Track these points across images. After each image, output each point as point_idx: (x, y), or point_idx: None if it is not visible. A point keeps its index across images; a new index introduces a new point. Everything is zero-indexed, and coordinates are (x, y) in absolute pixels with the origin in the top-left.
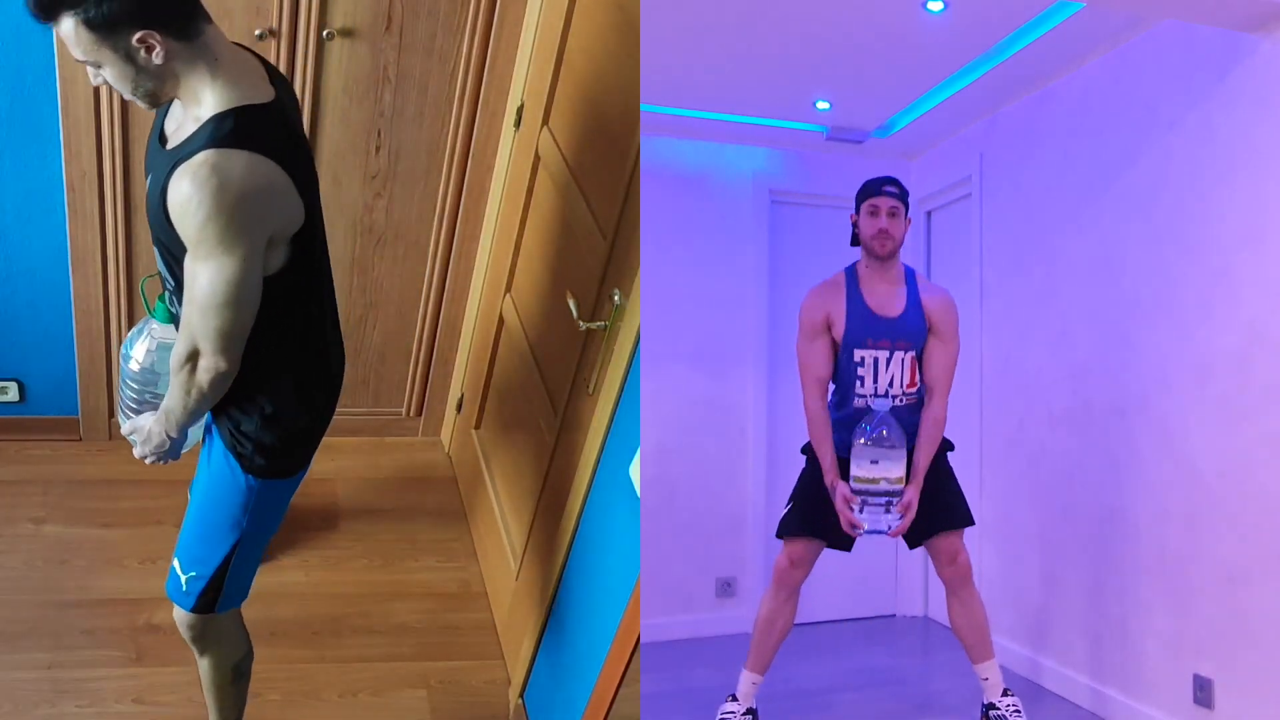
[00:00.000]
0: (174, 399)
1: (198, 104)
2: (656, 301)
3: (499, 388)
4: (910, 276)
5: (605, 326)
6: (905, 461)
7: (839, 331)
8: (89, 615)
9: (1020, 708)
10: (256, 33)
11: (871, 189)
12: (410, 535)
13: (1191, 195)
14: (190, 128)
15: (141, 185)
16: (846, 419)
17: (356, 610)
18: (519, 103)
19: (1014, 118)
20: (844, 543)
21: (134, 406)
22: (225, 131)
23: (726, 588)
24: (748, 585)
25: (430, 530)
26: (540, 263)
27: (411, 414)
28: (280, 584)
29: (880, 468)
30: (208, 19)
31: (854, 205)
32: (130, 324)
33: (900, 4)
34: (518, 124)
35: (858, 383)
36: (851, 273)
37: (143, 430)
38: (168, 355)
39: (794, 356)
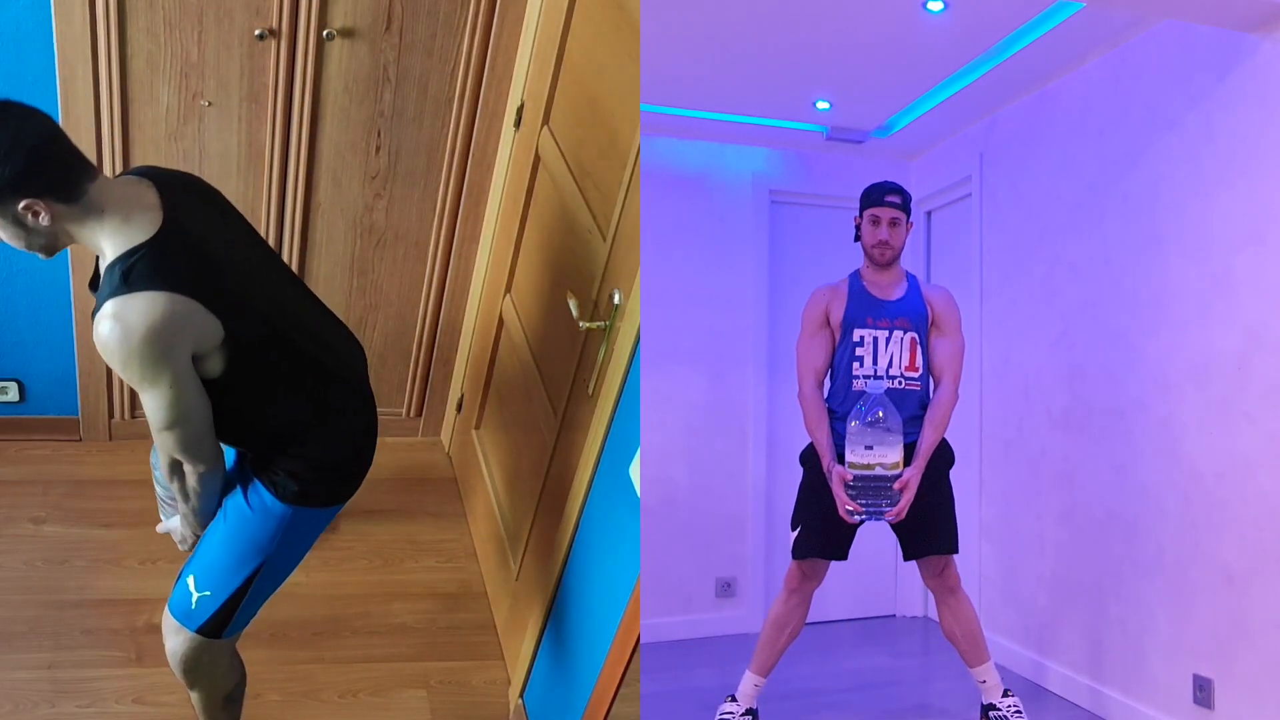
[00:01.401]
0: (181, 504)
1: (102, 254)
2: (656, 301)
3: (499, 388)
4: (912, 278)
5: (605, 326)
6: (901, 445)
7: (838, 317)
8: (89, 615)
9: (1021, 708)
10: (256, 33)
11: (873, 198)
12: (410, 535)
13: (1191, 196)
14: (103, 277)
15: None
16: (844, 407)
17: (356, 610)
18: (519, 103)
19: (1014, 118)
20: (841, 552)
21: (169, 505)
22: (117, 280)
23: (726, 588)
24: (748, 585)
25: (430, 530)
26: (540, 263)
27: (411, 414)
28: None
29: (875, 453)
30: (92, 176)
31: (858, 207)
32: None
33: (900, 4)
34: (518, 124)
35: (856, 364)
36: (855, 274)
37: (176, 531)
38: None
39: (794, 357)
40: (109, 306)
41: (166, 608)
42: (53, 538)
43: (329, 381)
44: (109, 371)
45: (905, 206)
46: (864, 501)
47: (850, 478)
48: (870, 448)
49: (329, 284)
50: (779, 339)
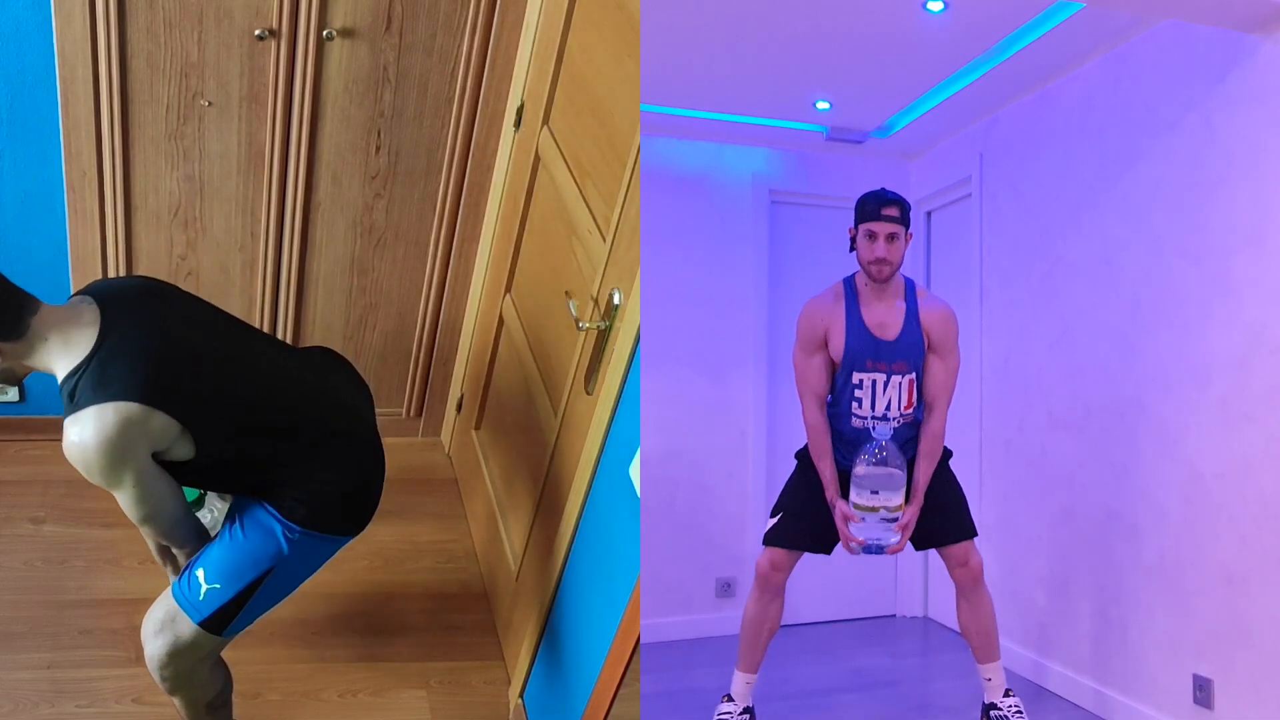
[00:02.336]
0: (172, 578)
1: (55, 373)
2: (656, 301)
3: (499, 388)
4: (910, 291)
5: (605, 326)
6: (905, 488)
7: (837, 352)
8: (89, 615)
9: (1022, 708)
10: (256, 33)
11: (869, 211)
12: (410, 536)
13: (1191, 196)
14: None
15: (141, 185)
16: (844, 437)
17: (357, 610)
18: (519, 103)
19: (1014, 118)
20: (825, 547)
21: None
22: (67, 398)
23: (726, 588)
24: (747, 585)
25: (430, 531)
26: (540, 263)
27: (411, 414)
28: None
29: (880, 497)
30: (33, 310)
31: (852, 217)
32: None
33: (900, 4)
34: (518, 124)
35: (855, 404)
36: (851, 286)
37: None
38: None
39: (793, 363)
40: (66, 425)
41: (153, 609)
42: (52, 538)
43: (322, 444)
44: None
45: (904, 218)
46: (867, 536)
47: (856, 517)
48: (876, 492)
49: (329, 283)
50: (779, 339)
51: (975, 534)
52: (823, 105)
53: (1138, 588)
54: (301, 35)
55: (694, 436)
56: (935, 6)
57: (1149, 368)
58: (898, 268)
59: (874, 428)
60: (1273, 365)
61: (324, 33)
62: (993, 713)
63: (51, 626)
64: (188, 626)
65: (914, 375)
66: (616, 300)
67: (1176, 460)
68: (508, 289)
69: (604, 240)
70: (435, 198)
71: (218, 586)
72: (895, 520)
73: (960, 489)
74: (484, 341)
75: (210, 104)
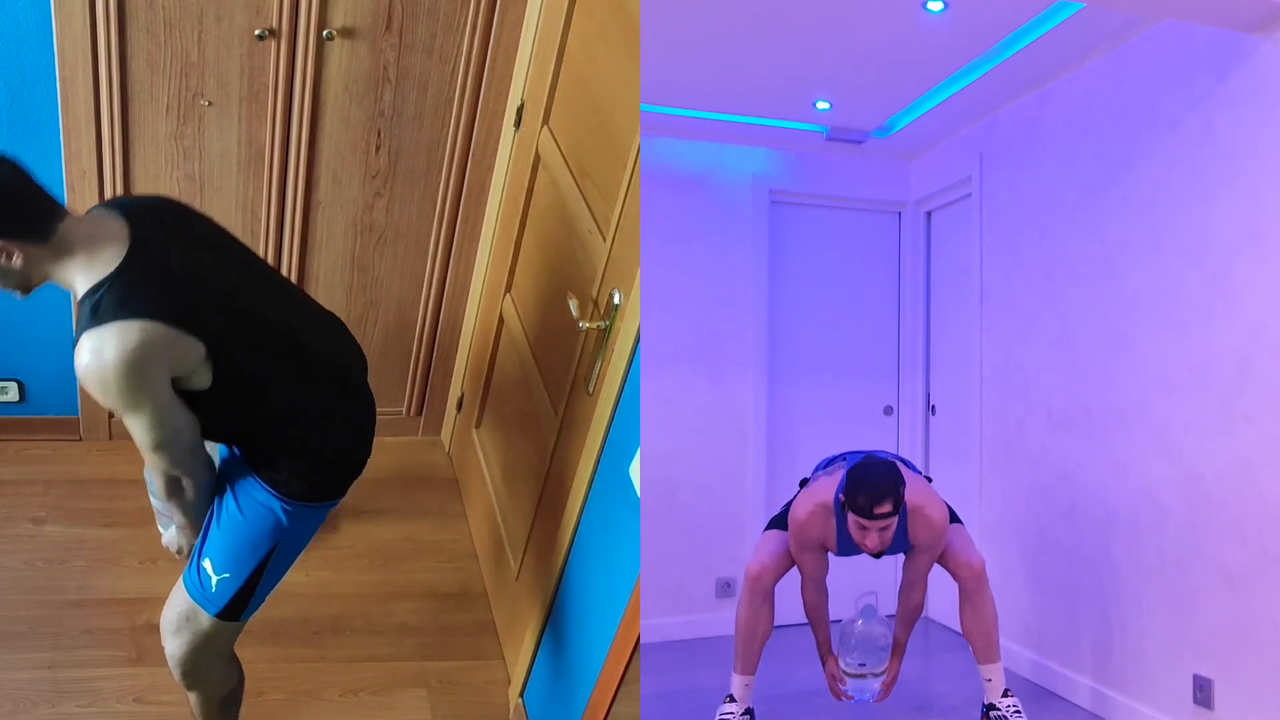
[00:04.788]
0: (178, 516)
1: (75, 290)
2: (656, 301)
3: (499, 388)
4: (901, 513)
5: (605, 326)
6: (888, 658)
7: (830, 549)
8: (89, 615)
9: (1020, 708)
10: (256, 33)
11: (863, 509)
12: (410, 535)
13: (1191, 196)
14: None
15: (141, 186)
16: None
17: (357, 610)
18: (519, 103)
19: (1014, 118)
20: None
21: (166, 515)
22: (87, 314)
23: (726, 588)
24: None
25: (430, 530)
26: (540, 263)
27: (411, 413)
28: (281, 584)
29: (868, 667)
30: (61, 216)
31: (844, 499)
32: None
33: (900, 4)
34: (518, 124)
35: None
36: (841, 512)
37: (173, 543)
38: None
39: (794, 357)
40: (83, 340)
41: (170, 607)
42: (53, 538)
43: (322, 383)
44: None
45: (897, 508)
46: (854, 692)
47: (844, 681)
48: (864, 664)
49: (329, 282)
50: (779, 339)
51: (959, 520)
52: (823, 105)
53: (1138, 588)
54: (301, 35)
55: (694, 436)
56: (935, 6)
57: (1149, 368)
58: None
59: (861, 609)
60: (1273, 365)
61: (324, 33)
62: (992, 713)
63: (51, 626)
64: (205, 620)
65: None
66: (616, 300)
67: (1176, 460)
68: (508, 289)
69: (604, 240)
70: (435, 197)
71: (228, 575)
72: (880, 679)
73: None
74: (484, 341)
75: (210, 104)
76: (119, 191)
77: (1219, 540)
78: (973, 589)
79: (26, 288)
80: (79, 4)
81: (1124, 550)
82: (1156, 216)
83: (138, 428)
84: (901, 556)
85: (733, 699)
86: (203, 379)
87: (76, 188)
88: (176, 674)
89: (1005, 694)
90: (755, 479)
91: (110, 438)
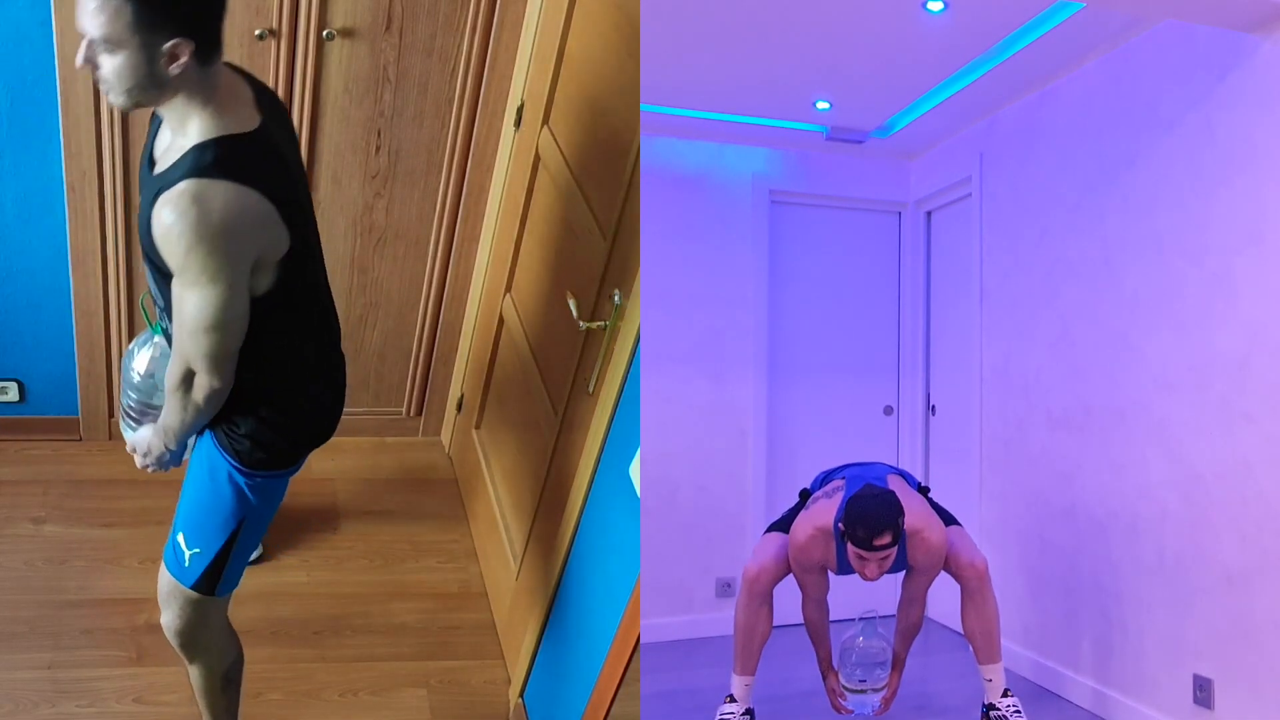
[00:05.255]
0: (171, 415)
1: (184, 131)
2: (656, 301)
3: (499, 388)
4: (900, 541)
5: (605, 326)
6: (888, 673)
7: (830, 568)
8: (89, 615)
9: (1020, 708)
10: (256, 32)
11: (862, 542)
12: (410, 535)
13: (1191, 196)
14: (174, 156)
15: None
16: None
17: (357, 610)
18: (519, 103)
19: (1014, 118)
20: None
21: (135, 415)
22: (206, 161)
23: (726, 588)
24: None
25: (430, 530)
26: (540, 263)
27: (411, 414)
28: (281, 584)
29: (868, 683)
30: (222, 51)
31: (843, 530)
32: (130, 324)
33: (900, 4)
34: (518, 124)
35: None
36: (840, 540)
37: (143, 442)
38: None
39: (794, 357)
40: (189, 185)
41: (160, 578)
42: (53, 538)
43: (325, 342)
44: (109, 371)
45: (897, 538)
46: (854, 708)
47: (844, 695)
48: (864, 680)
49: (329, 282)
50: (779, 339)
51: (958, 522)
52: (823, 105)
53: (1138, 588)
54: (301, 35)
55: (694, 436)
56: (935, 6)
57: (1149, 367)
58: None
59: (861, 625)
60: (1273, 365)
61: (324, 33)
62: (992, 713)
63: (51, 626)
64: (184, 593)
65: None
66: (616, 300)
67: (1176, 460)
68: (508, 289)
69: (604, 240)
70: (435, 198)
71: (198, 551)
72: (880, 694)
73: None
74: (484, 341)
75: None
76: (119, 191)
77: (1219, 540)
78: (975, 589)
79: (141, 101)
80: None
81: (1124, 550)
82: (1156, 216)
83: (198, 300)
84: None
85: (733, 699)
86: (265, 281)
87: (76, 188)
88: (175, 645)
89: (1005, 694)
90: (755, 479)
91: (110, 438)
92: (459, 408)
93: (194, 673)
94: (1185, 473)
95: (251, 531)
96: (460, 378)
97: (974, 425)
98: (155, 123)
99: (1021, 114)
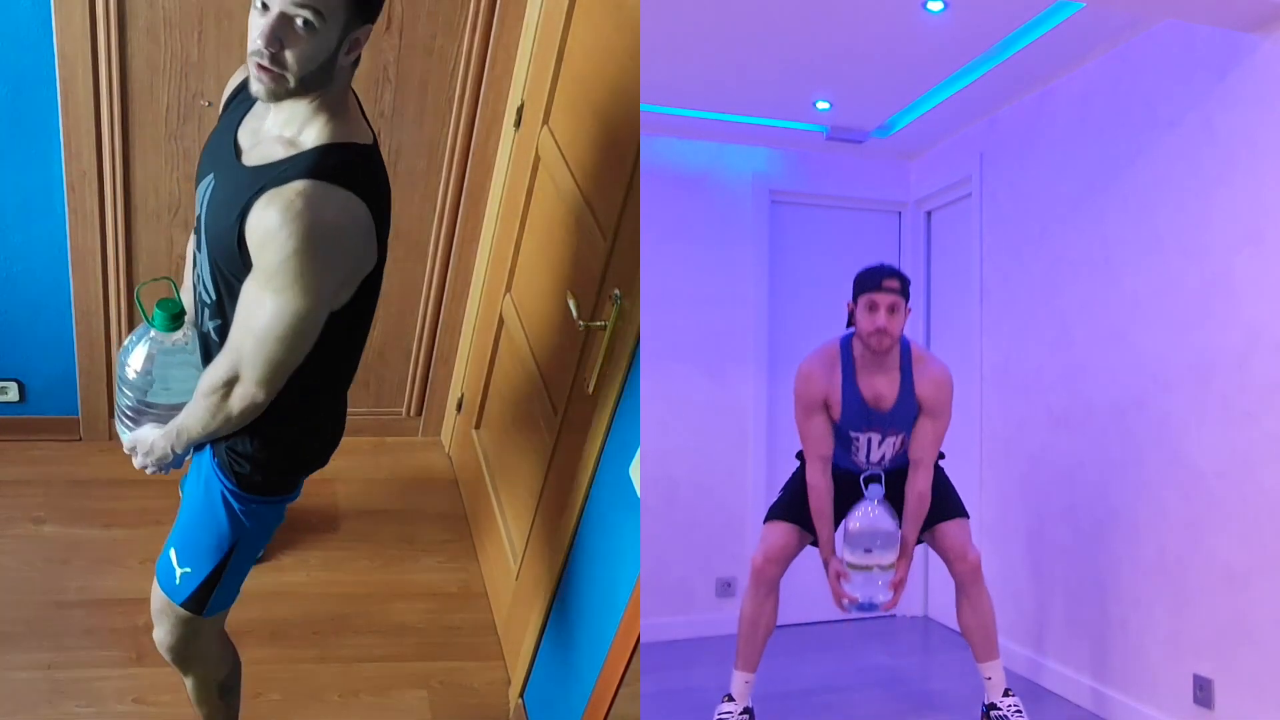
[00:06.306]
0: (194, 419)
1: (297, 128)
2: (656, 301)
3: (499, 388)
4: (906, 356)
5: (605, 326)
6: (897, 546)
7: (835, 414)
8: (89, 615)
9: (1021, 708)
10: None
11: (870, 283)
12: (410, 535)
13: (1191, 195)
14: (278, 151)
15: (141, 185)
16: (839, 471)
17: (357, 610)
18: (519, 103)
19: (1014, 118)
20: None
21: (130, 414)
22: (329, 165)
23: (726, 588)
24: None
25: (430, 530)
26: (540, 263)
27: (411, 414)
28: (281, 584)
29: (873, 555)
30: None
31: (851, 293)
32: (130, 323)
33: (900, 4)
34: (518, 124)
35: (852, 449)
36: (847, 351)
37: (145, 442)
38: (167, 361)
39: (794, 357)
40: (306, 186)
41: (154, 593)
42: (53, 538)
43: (348, 373)
44: (109, 371)
45: (904, 291)
46: (860, 592)
47: (848, 575)
48: (869, 550)
49: None
50: (779, 339)
51: (966, 514)
52: (823, 105)
53: (1138, 587)
54: None
55: (694, 436)
56: (935, 6)
57: (1149, 366)
58: (897, 340)
59: (866, 487)
60: (1273, 363)
61: None
62: (993, 712)
63: (51, 626)
64: (175, 610)
65: (906, 434)
66: (617, 300)
67: (1177, 459)
68: (508, 289)
69: (604, 240)
70: (435, 198)
71: (189, 570)
72: (888, 577)
73: (945, 475)
74: (484, 341)
75: (210, 104)
76: (119, 191)
77: (1220, 539)
78: (969, 583)
79: (299, 91)
80: (79, 4)
81: (1124, 549)
82: (1156, 216)
83: (279, 307)
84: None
85: (731, 698)
86: (344, 296)
87: (76, 188)
88: (168, 655)
89: (1006, 693)
90: (755, 478)
91: (110, 438)
92: (459, 408)
93: (189, 683)
94: (1185, 471)
95: (245, 556)
96: (460, 378)
97: (974, 424)
98: (238, 105)
99: (1021, 114)
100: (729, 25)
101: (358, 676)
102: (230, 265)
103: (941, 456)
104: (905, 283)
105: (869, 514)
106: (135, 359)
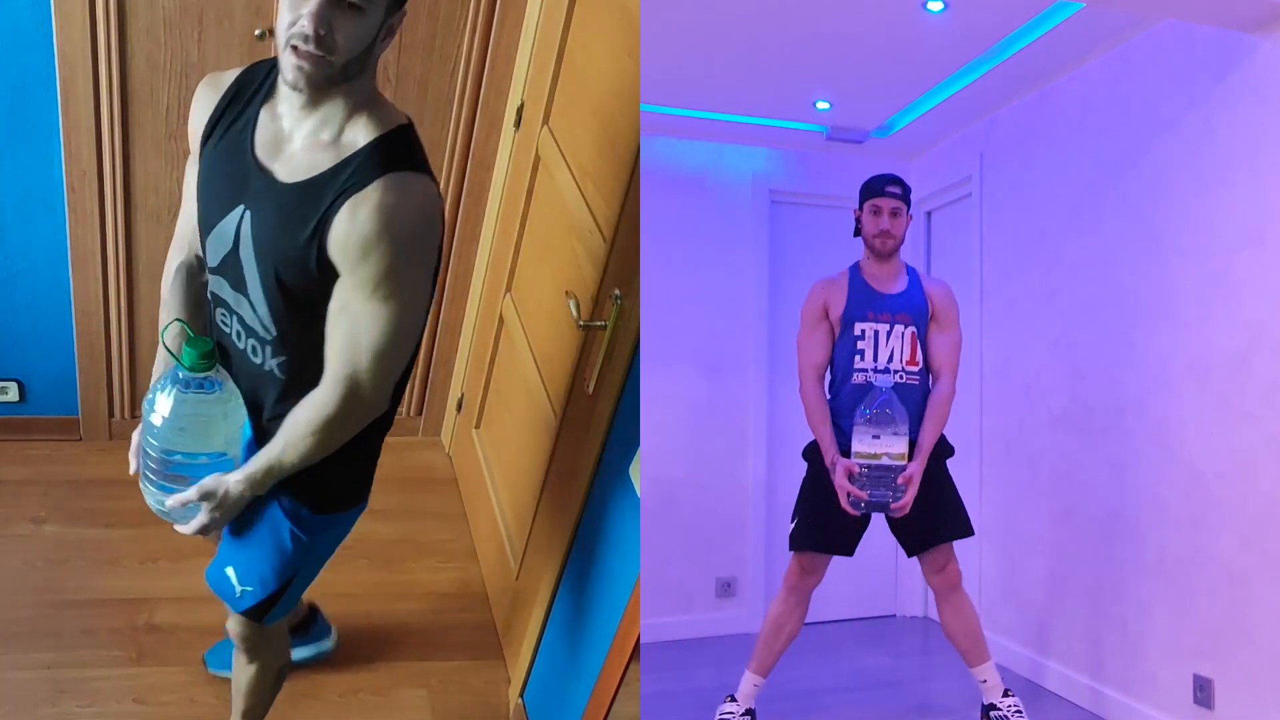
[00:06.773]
0: (293, 451)
1: (335, 129)
2: (656, 301)
3: (499, 388)
4: (912, 270)
5: (605, 326)
6: (907, 439)
7: (838, 312)
8: (89, 615)
9: (1021, 708)
10: (256, 32)
11: (874, 189)
12: (410, 535)
13: (1191, 195)
14: (325, 158)
15: (141, 185)
16: (846, 402)
17: (357, 610)
18: (519, 103)
19: (1014, 118)
20: (847, 548)
21: (155, 470)
22: (397, 156)
23: (726, 588)
24: (748, 585)
25: (430, 530)
26: (540, 263)
27: (411, 414)
28: None
29: (882, 443)
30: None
31: (858, 200)
32: (131, 324)
33: (900, 4)
34: (518, 124)
35: (858, 357)
36: (854, 267)
37: (217, 495)
38: (197, 409)
39: (794, 357)
40: (388, 182)
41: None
42: (53, 538)
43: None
44: (109, 371)
45: (906, 197)
46: (869, 491)
47: (856, 469)
48: (877, 437)
49: None
50: (779, 339)
51: (972, 532)
52: (823, 105)
53: (1138, 587)
54: None
55: (694, 436)
56: (935, 6)
57: (1149, 367)
58: (900, 243)
59: (875, 379)
60: (1273, 363)
61: None
62: (993, 713)
63: (51, 626)
64: (240, 620)
65: (916, 330)
66: (617, 300)
67: (1177, 459)
68: (508, 289)
69: (604, 240)
70: None
71: (250, 589)
72: (898, 473)
73: (955, 490)
74: (484, 341)
75: None
76: (119, 192)
77: (1219, 539)
78: (948, 592)
79: (339, 78)
80: (79, 4)
81: (1124, 549)
82: (1156, 216)
83: (392, 313)
84: (894, 557)
85: (733, 699)
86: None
87: (76, 188)
88: (239, 647)
89: (1006, 694)
90: (755, 479)
91: (110, 438)
92: (459, 408)
93: (250, 671)
94: (1186, 472)
95: (310, 571)
96: (460, 378)
97: (974, 424)
98: (226, 133)
99: (1021, 114)
100: (729, 25)
101: (357, 676)
102: (307, 290)
103: (951, 453)
104: (907, 190)
105: (876, 399)
106: (161, 405)
